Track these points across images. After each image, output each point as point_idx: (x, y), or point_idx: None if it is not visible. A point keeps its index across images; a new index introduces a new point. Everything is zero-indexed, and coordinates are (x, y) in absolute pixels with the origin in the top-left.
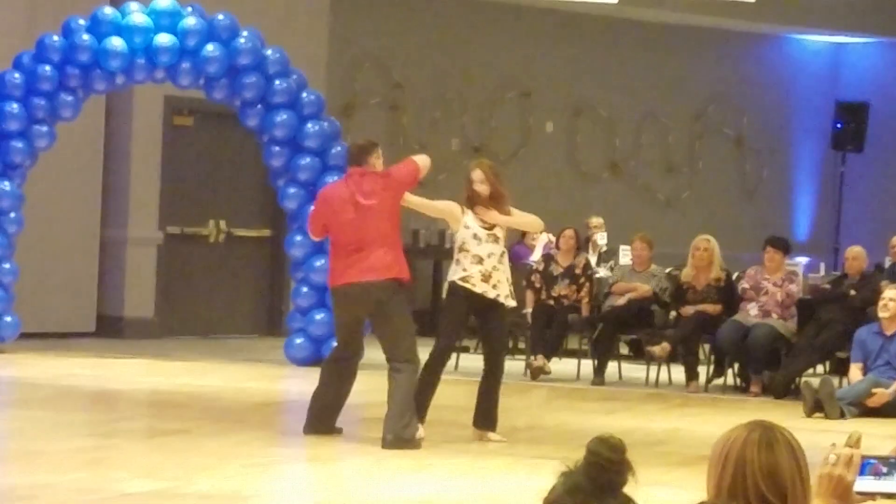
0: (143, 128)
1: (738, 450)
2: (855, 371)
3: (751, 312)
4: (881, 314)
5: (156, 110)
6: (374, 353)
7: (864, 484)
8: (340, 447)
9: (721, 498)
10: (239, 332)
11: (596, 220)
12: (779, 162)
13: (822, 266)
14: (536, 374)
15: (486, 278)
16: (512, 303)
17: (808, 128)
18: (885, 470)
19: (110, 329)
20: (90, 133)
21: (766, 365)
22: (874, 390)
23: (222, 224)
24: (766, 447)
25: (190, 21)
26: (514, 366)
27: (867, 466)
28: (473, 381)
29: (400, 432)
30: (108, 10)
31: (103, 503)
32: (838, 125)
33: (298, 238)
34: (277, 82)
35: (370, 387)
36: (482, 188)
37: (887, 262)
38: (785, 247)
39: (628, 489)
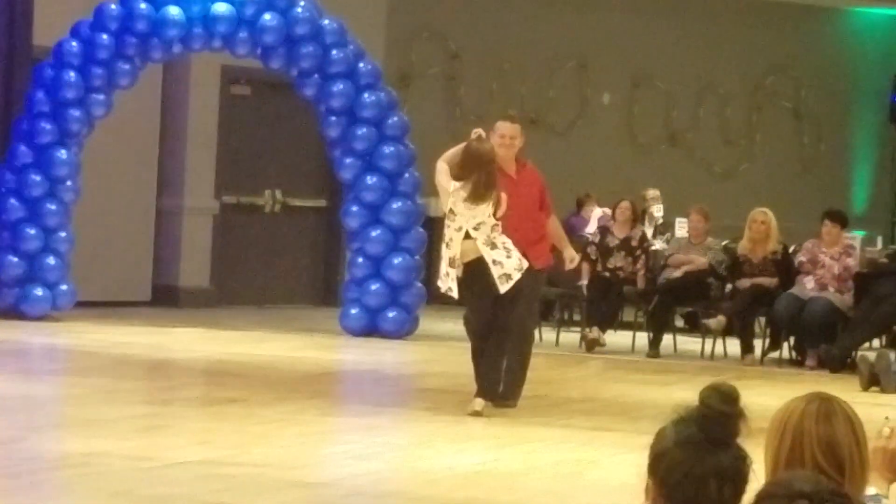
0: (200, 97)
1: (796, 421)
2: None
3: (807, 286)
4: None
5: (213, 79)
6: (430, 324)
7: None
8: (396, 416)
9: (779, 470)
10: (294, 301)
11: (652, 192)
12: (837, 135)
13: (880, 240)
14: (591, 346)
15: None
16: None
17: (867, 101)
18: None
19: (166, 298)
20: (147, 102)
21: (823, 338)
22: None
23: (278, 194)
24: (825, 419)
25: None
26: (569, 338)
27: None
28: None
29: None
30: None
31: (158, 471)
32: None
33: (354, 208)
34: (334, 52)
35: (426, 357)
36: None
37: None
38: (842, 220)
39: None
